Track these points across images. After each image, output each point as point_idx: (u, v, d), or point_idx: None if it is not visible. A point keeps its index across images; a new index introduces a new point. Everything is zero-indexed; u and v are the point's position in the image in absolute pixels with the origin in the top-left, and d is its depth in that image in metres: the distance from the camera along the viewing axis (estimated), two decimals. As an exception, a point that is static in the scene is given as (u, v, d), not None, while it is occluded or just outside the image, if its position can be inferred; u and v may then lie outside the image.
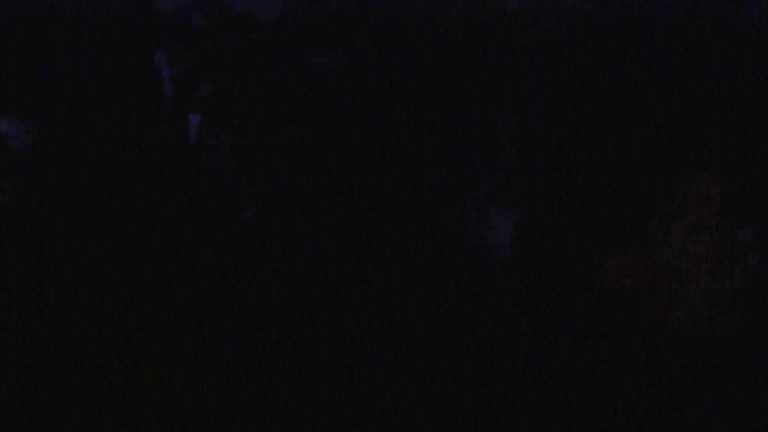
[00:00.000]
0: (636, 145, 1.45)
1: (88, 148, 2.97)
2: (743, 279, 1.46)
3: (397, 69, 2.99)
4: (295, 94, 2.94)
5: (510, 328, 1.46)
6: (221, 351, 2.91)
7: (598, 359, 1.43)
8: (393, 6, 3.04)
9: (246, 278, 2.90)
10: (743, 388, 1.48)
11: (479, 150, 2.73)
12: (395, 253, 2.85)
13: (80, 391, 2.90)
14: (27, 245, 2.90)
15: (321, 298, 2.87)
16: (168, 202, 2.95)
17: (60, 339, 2.91)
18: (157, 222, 2.95)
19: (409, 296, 2.73)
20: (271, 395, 2.80)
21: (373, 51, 2.99)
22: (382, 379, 2.62)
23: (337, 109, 2.94)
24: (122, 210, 2.92)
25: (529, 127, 2.58)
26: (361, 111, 2.95)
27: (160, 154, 2.94)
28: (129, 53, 3.01)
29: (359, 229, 2.90)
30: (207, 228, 2.95)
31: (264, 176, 2.93)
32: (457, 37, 3.04)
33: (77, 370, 2.88)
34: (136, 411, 2.89)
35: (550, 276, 1.44)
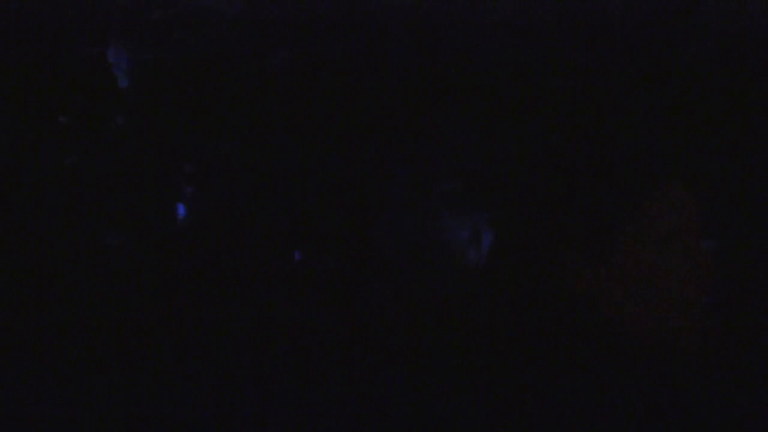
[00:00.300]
0: (606, 154, 1.46)
1: (42, 142, 2.99)
2: (708, 287, 1.48)
3: (355, 69, 3.00)
4: (254, 90, 2.95)
5: (476, 331, 1.48)
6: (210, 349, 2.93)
7: (567, 361, 1.45)
8: (357, 5, 3.04)
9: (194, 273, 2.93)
10: (708, 386, 1.50)
11: (435, 156, 2.74)
12: (351, 253, 2.87)
13: (80, 391, 2.93)
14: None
15: (272, 305, 2.90)
16: (125, 195, 2.97)
17: (52, 339, 2.94)
18: (117, 215, 2.98)
19: (363, 299, 2.75)
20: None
21: (333, 50, 3.00)
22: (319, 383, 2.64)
23: (294, 107, 2.95)
24: (86, 204, 2.95)
25: (487, 134, 2.59)
26: (317, 110, 2.96)
27: (116, 147, 2.96)
28: (83, 45, 3.02)
29: (314, 230, 2.92)
30: (165, 220, 2.98)
31: (216, 172, 2.94)
32: (418, 40, 3.05)
33: (75, 370, 2.91)
34: (135, 411, 2.92)
35: (515, 281, 1.45)
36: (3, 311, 2.93)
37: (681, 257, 1.49)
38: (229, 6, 3.03)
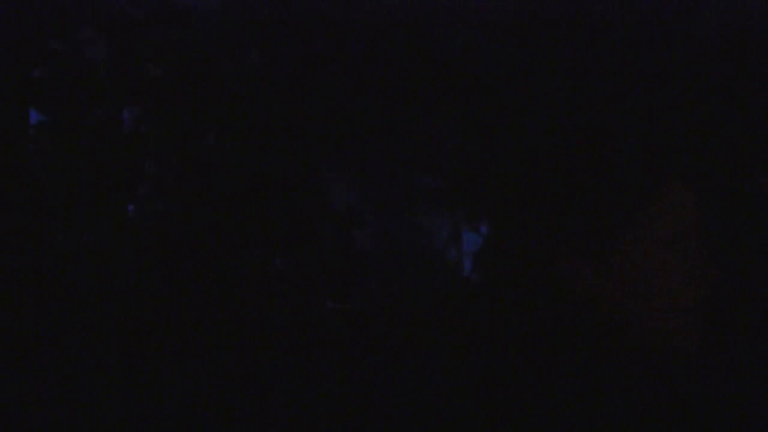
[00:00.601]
0: (603, 154, 1.46)
1: (20, 140, 3.00)
2: (710, 290, 1.48)
3: (337, 67, 3.00)
4: (230, 92, 2.95)
5: (468, 332, 1.48)
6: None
7: (564, 362, 1.45)
8: (335, 4, 3.03)
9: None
10: (709, 392, 1.51)
11: (415, 155, 2.73)
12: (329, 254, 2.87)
13: (80, 391, 2.94)
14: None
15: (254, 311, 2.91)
16: (101, 191, 2.98)
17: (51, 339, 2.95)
18: (91, 211, 2.98)
19: (346, 299, 2.74)
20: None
21: (309, 50, 3.00)
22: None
23: (274, 106, 2.95)
24: (57, 200, 2.96)
25: (467, 131, 2.57)
26: (298, 108, 2.96)
27: (93, 143, 2.96)
28: (60, 43, 3.02)
29: (293, 233, 2.92)
30: (142, 218, 2.98)
31: (189, 171, 2.95)
32: (397, 40, 3.04)
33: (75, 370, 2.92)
34: (135, 411, 2.92)
35: (505, 283, 1.45)
36: None
37: (680, 258, 1.49)
38: (212, 4, 3.04)
